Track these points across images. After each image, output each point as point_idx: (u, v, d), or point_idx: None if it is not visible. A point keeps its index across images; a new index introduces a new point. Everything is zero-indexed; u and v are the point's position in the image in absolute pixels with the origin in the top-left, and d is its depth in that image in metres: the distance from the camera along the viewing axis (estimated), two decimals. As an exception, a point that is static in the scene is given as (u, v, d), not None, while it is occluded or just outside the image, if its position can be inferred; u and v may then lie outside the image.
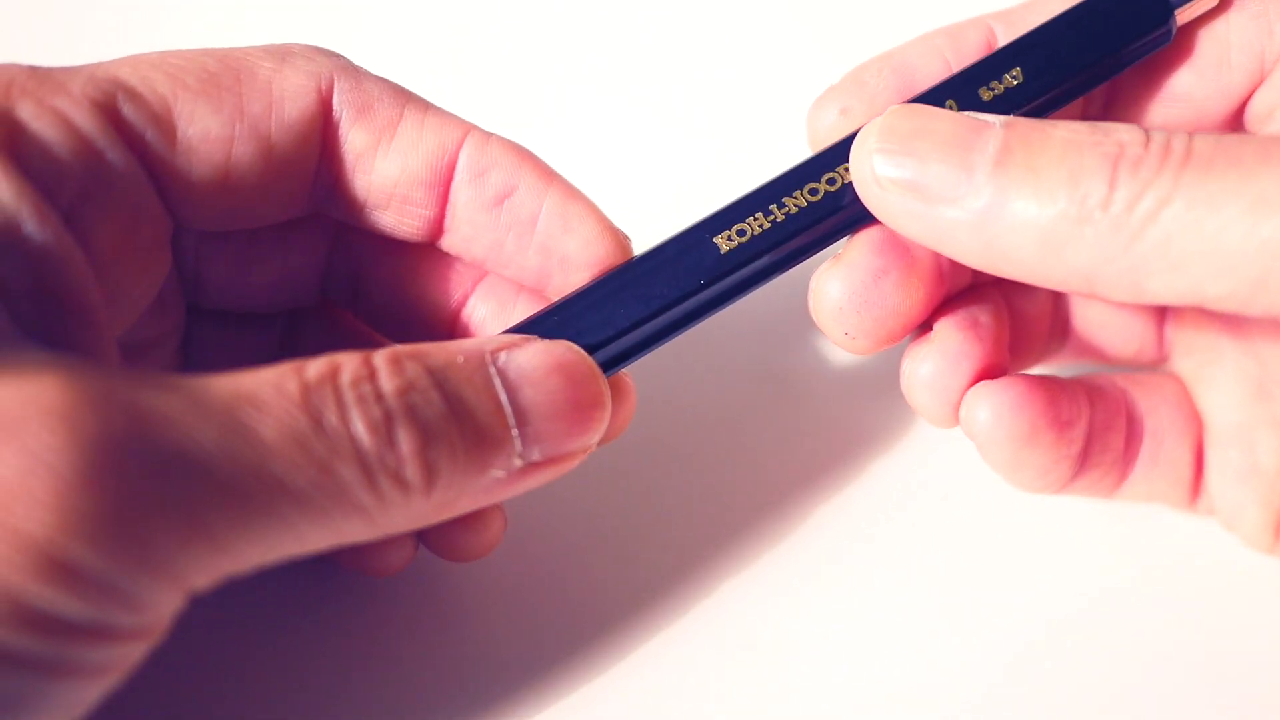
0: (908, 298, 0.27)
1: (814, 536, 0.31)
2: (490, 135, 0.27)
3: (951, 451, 0.32)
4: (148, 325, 0.27)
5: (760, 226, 0.26)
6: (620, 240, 0.27)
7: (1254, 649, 0.29)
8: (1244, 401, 0.29)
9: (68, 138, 0.23)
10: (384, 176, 0.27)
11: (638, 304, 0.26)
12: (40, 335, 0.22)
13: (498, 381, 0.23)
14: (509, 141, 0.27)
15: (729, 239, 0.26)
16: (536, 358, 0.23)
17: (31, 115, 0.23)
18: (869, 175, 0.25)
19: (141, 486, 0.19)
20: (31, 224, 0.22)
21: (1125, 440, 0.29)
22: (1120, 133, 0.23)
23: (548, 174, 0.27)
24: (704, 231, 0.26)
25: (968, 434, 0.27)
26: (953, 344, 0.27)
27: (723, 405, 0.33)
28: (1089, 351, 0.32)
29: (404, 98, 0.27)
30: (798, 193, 0.26)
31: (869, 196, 0.25)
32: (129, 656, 0.20)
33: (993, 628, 0.29)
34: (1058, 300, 0.31)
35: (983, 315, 0.27)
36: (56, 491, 0.18)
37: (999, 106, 0.26)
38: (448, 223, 0.27)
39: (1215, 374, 0.29)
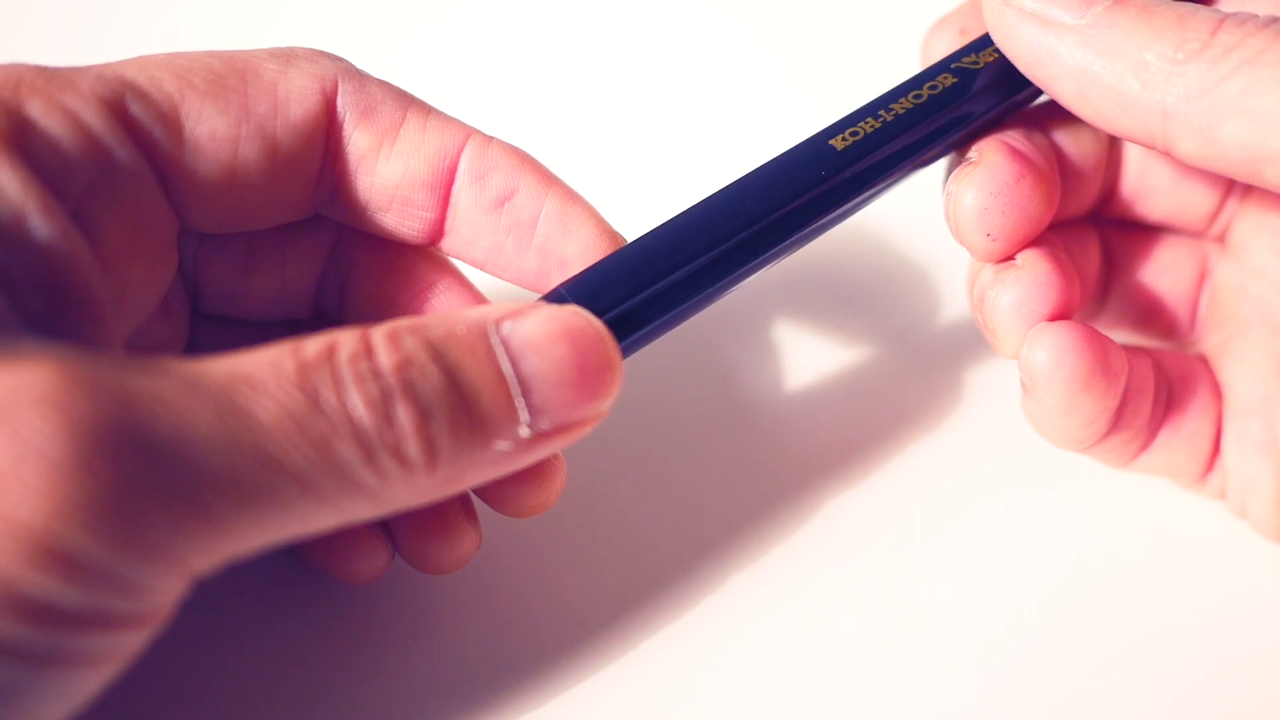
0: (1041, 203, 0.28)
1: (798, 545, 0.31)
2: (491, 139, 0.27)
3: (944, 456, 0.33)
4: (154, 328, 0.27)
5: (871, 126, 0.28)
6: (619, 243, 0.27)
7: (1261, 643, 0.29)
8: (1268, 376, 0.30)
9: (76, 135, 0.23)
10: (386, 178, 0.27)
11: (765, 200, 0.27)
12: (45, 329, 0.22)
13: (501, 351, 0.23)
14: (510, 145, 0.28)
15: (844, 139, 0.28)
16: (541, 325, 0.23)
17: (40, 112, 0.23)
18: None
19: (136, 471, 0.19)
20: (38, 218, 0.22)
21: (1153, 405, 0.29)
22: (1236, 15, 0.25)
23: (547, 177, 0.27)
24: (821, 138, 0.28)
25: (1024, 374, 0.28)
26: (1040, 272, 0.28)
27: (700, 415, 0.34)
28: (1126, 320, 0.33)
29: (406, 101, 0.27)
30: (903, 99, 0.28)
31: (992, 14, 0.27)
32: (130, 644, 0.20)
33: (987, 631, 0.30)
34: (1105, 261, 0.32)
35: (1062, 253, 0.29)
36: (49, 478, 0.18)
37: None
38: (448, 225, 0.27)
39: (1242, 349, 0.30)
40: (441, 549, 0.27)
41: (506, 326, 0.23)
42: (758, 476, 0.32)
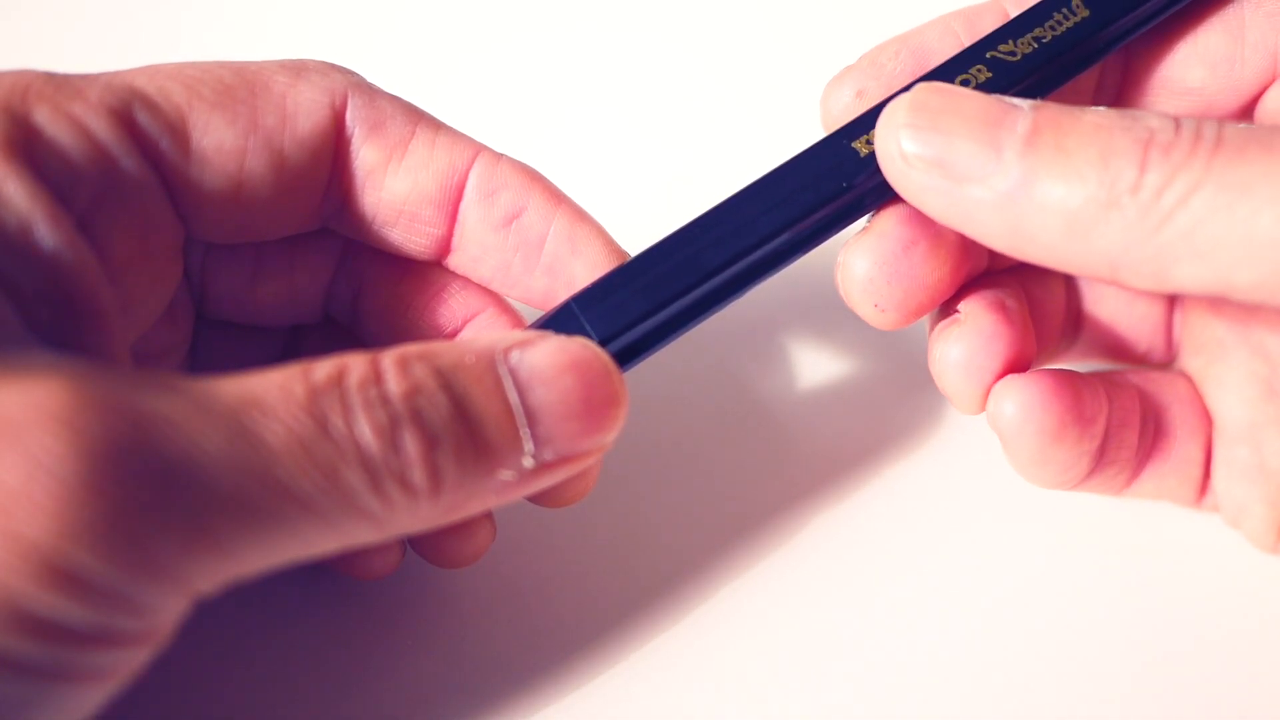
0: (935, 270, 0.27)
1: (807, 544, 0.31)
2: (501, 156, 0.27)
3: (938, 463, 0.33)
4: (159, 334, 0.27)
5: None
6: (627, 264, 0.27)
7: (1259, 648, 0.29)
8: (1253, 400, 0.29)
9: (83, 144, 0.23)
10: (394, 194, 0.27)
11: (786, 213, 0.26)
12: (53, 339, 0.22)
13: (508, 381, 0.23)
14: (519, 163, 0.27)
15: (867, 143, 0.26)
16: (549, 356, 0.23)
17: (48, 121, 0.23)
18: (895, 151, 0.25)
19: (144, 492, 0.19)
20: (45, 228, 0.22)
21: (1139, 437, 0.29)
22: (1150, 119, 0.23)
23: (556, 196, 0.27)
24: (842, 140, 0.26)
25: (994, 428, 0.27)
26: (985, 325, 0.27)
27: (713, 413, 0.34)
28: (1099, 349, 0.32)
29: (416, 116, 0.27)
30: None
31: (893, 172, 0.25)
32: (133, 661, 0.20)
33: (986, 636, 0.30)
34: (1071, 295, 0.31)
35: (1009, 300, 0.28)
36: (58, 497, 0.18)
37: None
38: (456, 241, 0.27)
39: (1224, 373, 0.30)
40: (456, 543, 0.27)
41: (514, 356, 0.23)
42: (763, 480, 0.32)
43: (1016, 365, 0.27)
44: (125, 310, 0.25)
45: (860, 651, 0.29)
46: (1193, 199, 0.22)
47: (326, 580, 0.29)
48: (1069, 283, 0.31)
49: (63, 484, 0.18)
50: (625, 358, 0.26)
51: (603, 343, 0.25)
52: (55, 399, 0.19)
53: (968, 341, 0.27)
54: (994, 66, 0.27)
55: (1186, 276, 0.23)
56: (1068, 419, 0.26)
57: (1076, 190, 0.23)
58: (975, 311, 0.27)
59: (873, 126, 0.26)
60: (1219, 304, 0.30)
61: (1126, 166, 0.23)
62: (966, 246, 0.27)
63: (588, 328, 0.25)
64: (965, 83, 0.26)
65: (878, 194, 0.26)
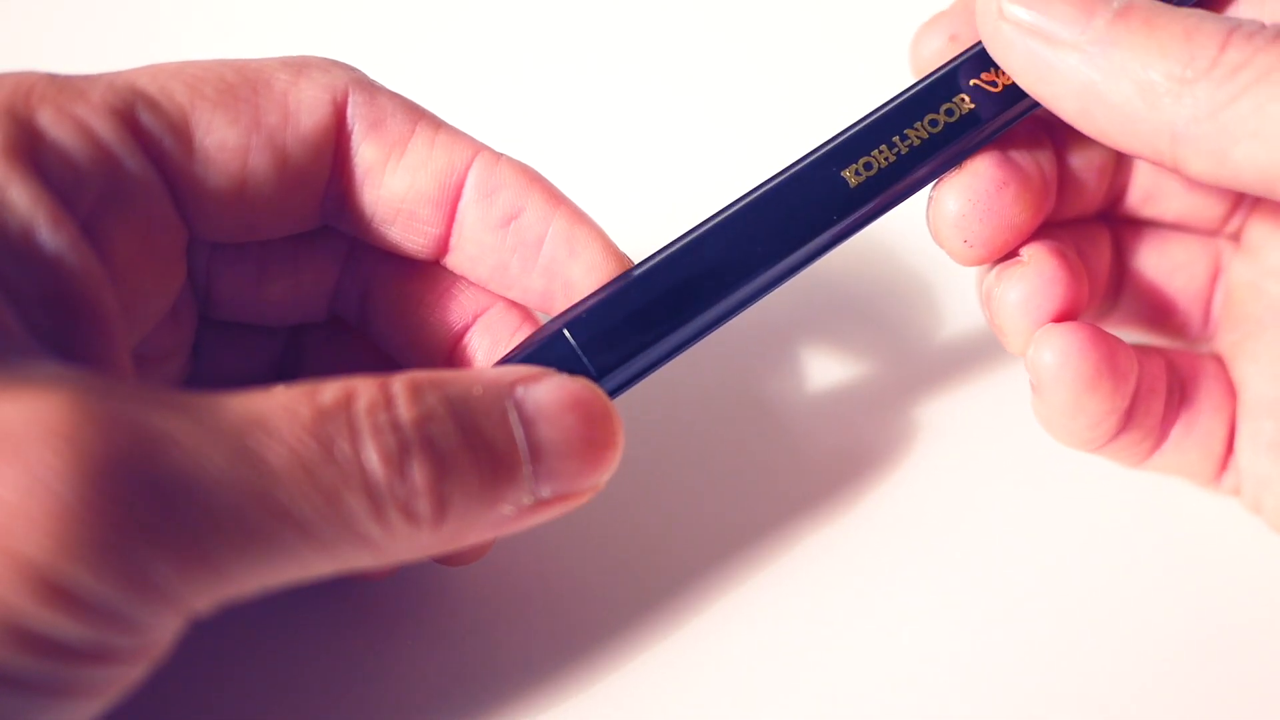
0: (1022, 211, 0.28)
1: (811, 550, 0.31)
2: (500, 156, 0.27)
3: (937, 468, 0.33)
4: (161, 336, 0.27)
5: (885, 159, 0.27)
6: (625, 265, 0.27)
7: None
8: None
9: (86, 145, 0.23)
10: (392, 191, 0.27)
11: (774, 239, 0.27)
12: (54, 343, 0.22)
13: (514, 416, 0.23)
14: (519, 163, 0.27)
15: (856, 173, 0.27)
16: (554, 393, 0.23)
17: (51, 122, 0.23)
18: (994, 10, 0.26)
19: (143, 511, 0.19)
20: (47, 231, 0.22)
21: (1165, 406, 0.30)
22: (1239, 18, 0.25)
23: (556, 197, 0.27)
24: (830, 167, 0.27)
25: (1031, 374, 0.28)
26: (1046, 268, 0.28)
27: (716, 417, 0.34)
28: (1138, 316, 0.33)
29: (417, 114, 0.27)
30: (919, 124, 0.27)
31: (988, 29, 0.26)
32: (128, 676, 0.21)
33: (992, 643, 0.30)
34: (1117, 255, 0.32)
35: (1068, 250, 0.29)
36: (56, 514, 0.18)
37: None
38: (454, 241, 0.27)
39: (1257, 349, 0.30)
40: None
41: (520, 391, 0.23)
42: (767, 484, 0.32)
43: (1070, 312, 0.28)
44: (128, 312, 0.25)
45: (864, 659, 0.29)
46: (1271, 76, 0.23)
47: (326, 580, 0.29)
48: (1116, 246, 0.32)
49: (61, 500, 0.18)
50: (616, 391, 0.26)
51: (599, 376, 0.26)
52: (57, 413, 0.19)
53: (1029, 282, 0.28)
54: (976, 95, 0.28)
55: (1244, 157, 0.24)
56: (1103, 369, 0.27)
57: (1156, 62, 0.24)
58: (1039, 255, 0.28)
59: (864, 153, 0.27)
60: (1261, 277, 0.30)
61: (1209, 45, 0.24)
62: (1048, 192, 0.29)
63: (585, 360, 0.26)
64: (950, 111, 0.27)
65: (862, 220, 0.27)
